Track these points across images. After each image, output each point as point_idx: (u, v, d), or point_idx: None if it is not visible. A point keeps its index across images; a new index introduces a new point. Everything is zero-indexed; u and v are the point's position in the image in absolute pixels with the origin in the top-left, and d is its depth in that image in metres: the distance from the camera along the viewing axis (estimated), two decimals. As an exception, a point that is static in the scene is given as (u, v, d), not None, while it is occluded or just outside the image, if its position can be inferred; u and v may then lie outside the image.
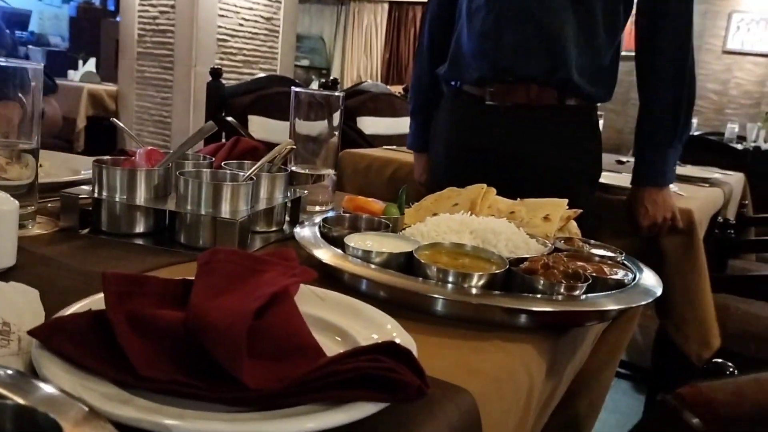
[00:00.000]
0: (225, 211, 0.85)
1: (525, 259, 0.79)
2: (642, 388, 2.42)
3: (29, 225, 0.87)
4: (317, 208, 1.13)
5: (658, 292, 0.79)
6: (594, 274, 0.77)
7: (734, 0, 6.43)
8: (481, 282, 0.72)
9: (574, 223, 1.03)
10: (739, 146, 3.86)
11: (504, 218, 0.93)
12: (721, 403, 0.58)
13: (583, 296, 0.73)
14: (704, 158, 2.79)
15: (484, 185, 1.04)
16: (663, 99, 1.48)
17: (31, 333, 0.47)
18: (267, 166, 0.99)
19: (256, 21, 4.87)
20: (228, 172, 0.94)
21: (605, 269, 0.81)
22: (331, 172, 1.15)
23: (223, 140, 2.15)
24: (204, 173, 0.93)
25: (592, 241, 0.95)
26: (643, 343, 2.33)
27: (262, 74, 3.94)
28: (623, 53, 1.55)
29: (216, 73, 3.01)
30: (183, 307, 0.52)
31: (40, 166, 0.89)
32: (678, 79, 1.46)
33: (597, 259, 0.85)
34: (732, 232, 2.12)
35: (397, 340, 0.53)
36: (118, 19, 5.32)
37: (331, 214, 0.96)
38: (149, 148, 0.96)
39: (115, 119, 1.24)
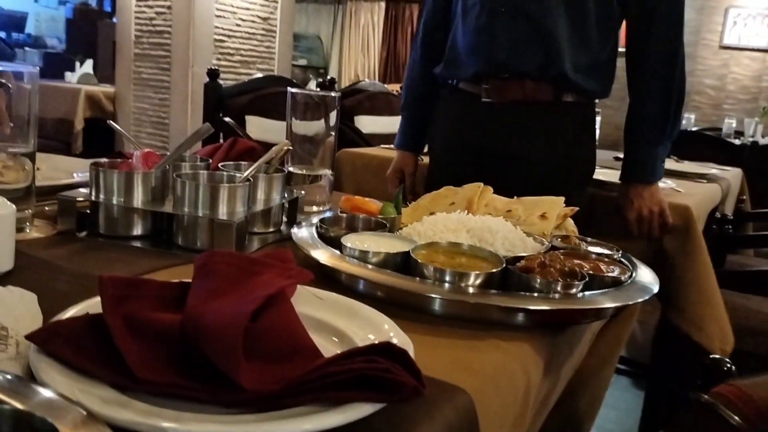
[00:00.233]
0: (222, 212, 0.86)
1: (522, 257, 0.79)
2: (641, 384, 2.42)
3: (27, 228, 0.87)
4: (314, 208, 1.13)
5: (655, 289, 0.79)
6: (591, 272, 0.78)
7: (731, -5, 6.44)
8: (478, 281, 0.72)
9: (571, 221, 1.03)
10: (737, 141, 3.85)
11: (501, 217, 0.93)
12: (763, 400, 0.57)
13: (580, 294, 0.73)
14: (702, 154, 2.79)
15: (481, 184, 1.04)
16: (652, 95, 1.47)
17: (29, 337, 0.47)
18: (264, 167, 0.99)
19: (252, 21, 4.86)
20: (225, 173, 0.94)
21: (602, 267, 0.81)
22: (328, 172, 1.15)
23: (221, 140, 2.15)
24: (201, 175, 0.93)
25: (589, 239, 0.95)
26: (642, 339, 2.32)
27: (259, 74, 3.94)
28: (620, 49, 1.55)
29: (213, 73, 3.00)
30: (180, 310, 0.52)
31: (37, 169, 0.89)
32: (668, 75, 1.46)
33: (594, 256, 0.85)
34: (730, 227, 2.12)
35: (394, 341, 0.53)
36: (114, 20, 5.30)
37: (328, 214, 0.97)
38: (146, 150, 0.96)
39: (111, 121, 1.24)
